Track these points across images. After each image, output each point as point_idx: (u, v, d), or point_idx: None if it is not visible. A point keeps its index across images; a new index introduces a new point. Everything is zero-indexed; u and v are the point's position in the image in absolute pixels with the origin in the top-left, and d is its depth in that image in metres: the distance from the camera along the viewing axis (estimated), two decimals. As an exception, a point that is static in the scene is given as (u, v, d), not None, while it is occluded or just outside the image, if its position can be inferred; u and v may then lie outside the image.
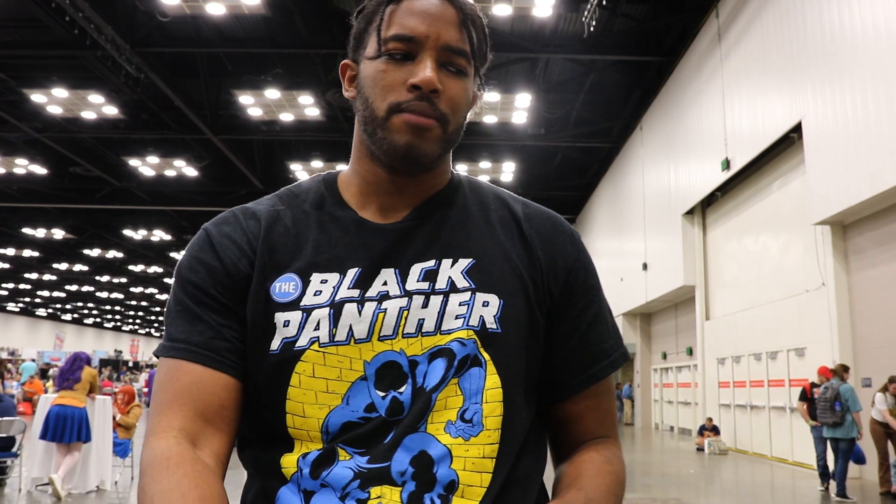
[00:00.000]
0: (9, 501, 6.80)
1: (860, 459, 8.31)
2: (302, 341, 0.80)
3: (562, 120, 16.58)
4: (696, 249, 14.47)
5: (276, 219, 0.88)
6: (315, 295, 0.82)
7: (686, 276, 14.41)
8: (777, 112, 10.52)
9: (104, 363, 38.26)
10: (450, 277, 0.83)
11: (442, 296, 0.82)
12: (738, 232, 13.04)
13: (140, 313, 57.19)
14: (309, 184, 0.94)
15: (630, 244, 18.13)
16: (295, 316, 0.81)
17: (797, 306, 10.62)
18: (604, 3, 11.10)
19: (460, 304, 0.82)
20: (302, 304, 0.82)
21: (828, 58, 9.19)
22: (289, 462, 0.79)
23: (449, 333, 0.80)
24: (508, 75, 15.20)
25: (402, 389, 0.79)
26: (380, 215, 0.88)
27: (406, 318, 0.81)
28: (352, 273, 0.83)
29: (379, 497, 0.75)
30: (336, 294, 0.82)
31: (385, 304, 0.81)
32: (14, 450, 7.14)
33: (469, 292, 0.82)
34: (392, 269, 0.84)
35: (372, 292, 0.82)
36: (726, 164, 12.07)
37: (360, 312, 0.81)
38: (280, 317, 0.81)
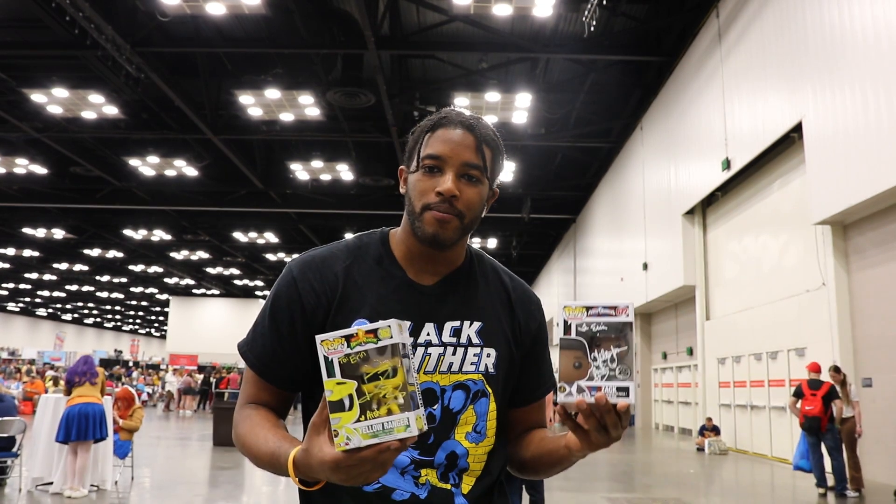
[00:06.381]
0: (9, 501, 6.79)
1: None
2: None
3: (562, 120, 16.56)
4: (697, 249, 14.46)
5: (349, 274, 1.24)
6: None
7: (686, 275, 14.40)
8: (777, 112, 10.50)
9: (104, 363, 38.17)
10: (468, 335, 1.25)
11: (463, 348, 1.24)
12: (738, 232, 13.04)
13: (140, 313, 57.15)
14: (369, 239, 1.31)
15: (630, 244, 18.11)
16: None
17: (797, 306, 10.62)
18: (604, 3, 11.08)
19: (474, 355, 1.24)
20: None
21: (828, 57, 9.18)
22: None
23: (466, 374, 1.23)
24: (508, 75, 15.20)
25: (434, 407, 1.21)
26: (420, 276, 1.26)
27: (441, 361, 1.22)
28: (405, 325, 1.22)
29: (426, 475, 1.19)
30: None
31: (430, 350, 1.22)
32: (14, 450, 7.12)
33: (479, 347, 1.25)
34: (432, 324, 1.23)
35: (420, 339, 1.22)
36: (726, 164, 12.06)
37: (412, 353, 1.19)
38: None
